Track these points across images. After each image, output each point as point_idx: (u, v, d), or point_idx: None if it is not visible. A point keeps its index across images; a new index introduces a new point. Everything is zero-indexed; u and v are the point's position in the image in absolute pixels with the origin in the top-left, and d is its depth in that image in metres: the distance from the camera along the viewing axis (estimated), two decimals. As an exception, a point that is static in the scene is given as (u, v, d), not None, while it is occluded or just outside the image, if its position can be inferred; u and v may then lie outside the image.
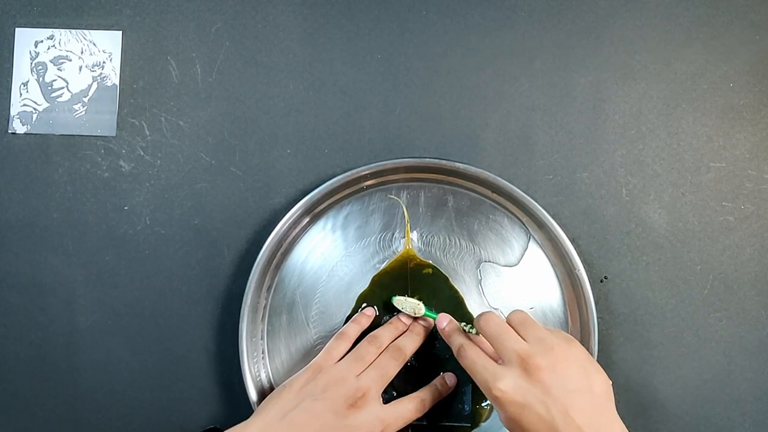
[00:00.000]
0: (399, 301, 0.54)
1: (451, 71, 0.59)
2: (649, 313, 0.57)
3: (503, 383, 0.44)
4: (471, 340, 0.49)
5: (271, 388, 0.55)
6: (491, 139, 0.59)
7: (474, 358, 0.47)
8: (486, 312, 0.49)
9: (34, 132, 0.59)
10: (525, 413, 0.43)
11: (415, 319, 0.55)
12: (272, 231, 0.55)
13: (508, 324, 0.48)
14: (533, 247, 0.57)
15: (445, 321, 0.52)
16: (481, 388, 0.46)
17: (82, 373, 0.57)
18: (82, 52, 0.60)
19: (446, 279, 0.56)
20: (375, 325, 0.55)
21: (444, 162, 0.56)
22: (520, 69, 0.59)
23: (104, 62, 0.59)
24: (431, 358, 0.55)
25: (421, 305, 0.53)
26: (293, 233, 0.57)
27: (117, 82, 0.59)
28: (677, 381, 0.56)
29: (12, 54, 0.60)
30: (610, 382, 0.46)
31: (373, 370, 0.51)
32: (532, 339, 0.46)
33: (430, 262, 0.56)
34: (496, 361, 0.47)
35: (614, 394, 0.54)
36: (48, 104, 0.59)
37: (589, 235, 0.58)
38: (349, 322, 0.55)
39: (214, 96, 0.59)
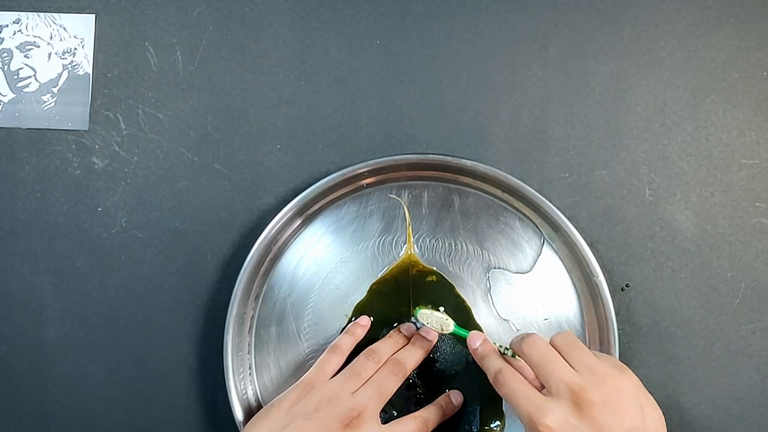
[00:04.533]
0: (424, 315, 0.53)
1: (457, 59, 0.59)
2: (675, 324, 0.57)
3: (550, 418, 0.44)
4: (509, 364, 0.49)
5: (259, 407, 0.55)
6: (501, 134, 0.58)
7: (515, 387, 0.47)
8: (530, 334, 0.48)
9: (-2, 125, 0.59)
10: None
11: (417, 330, 0.55)
12: (260, 234, 0.55)
13: (553, 346, 0.48)
14: (547, 252, 0.57)
15: (478, 341, 0.51)
16: (522, 421, 0.46)
17: (51, 390, 0.57)
18: (51, 38, 0.60)
19: (452, 287, 0.56)
20: (373, 339, 0.55)
21: (449, 159, 0.56)
22: (532, 56, 0.59)
23: (76, 49, 0.59)
24: (435, 374, 0.55)
25: (450, 321, 0.53)
26: (284, 237, 0.57)
27: (90, 71, 0.59)
28: (706, 399, 0.56)
29: (-25, 40, 0.60)
30: (663, 418, 0.46)
31: (371, 387, 0.51)
32: (582, 368, 0.46)
33: (434, 268, 0.56)
34: (539, 390, 0.46)
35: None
36: (14, 95, 0.59)
37: (608, 239, 0.58)
38: (342, 333, 0.55)
39: (197, 86, 0.59)
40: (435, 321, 0.53)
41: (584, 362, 0.46)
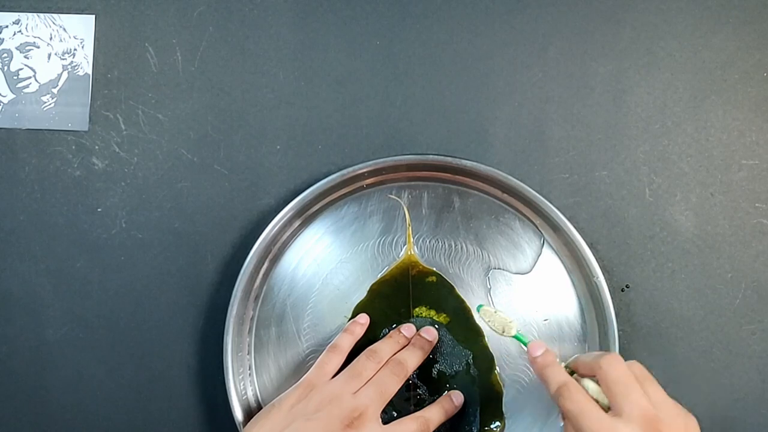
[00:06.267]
0: (486, 313, 0.52)
1: (457, 59, 0.59)
2: (675, 325, 0.57)
3: None
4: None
5: (259, 408, 0.55)
6: (501, 135, 0.59)
7: (582, 402, 0.45)
8: (611, 353, 0.48)
9: (-2, 126, 0.59)
10: None
11: (418, 330, 0.55)
12: (260, 235, 0.55)
13: None
14: (547, 252, 0.57)
15: (539, 350, 0.50)
16: None
17: (51, 391, 0.57)
18: (51, 38, 0.60)
19: (452, 288, 0.56)
20: (373, 339, 0.55)
21: (449, 159, 0.56)
22: (532, 57, 0.59)
23: (76, 49, 0.60)
24: (435, 375, 0.55)
25: (514, 324, 0.51)
26: (283, 237, 0.57)
27: (90, 72, 0.59)
28: (706, 400, 0.57)
29: (-26, 40, 0.60)
30: None
31: (371, 388, 0.51)
32: (655, 400, 0.45)
33: (434, 269, 0.57)
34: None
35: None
36: (14, 96, 0.59)
37: (608, 239, 0.58)
38: (341, 332, 0.55)
39: (197, 86, 0.59)
40: (498, 322, 0.52)
41: (657, 396, 0.45)
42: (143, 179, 0.59)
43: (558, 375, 0.48)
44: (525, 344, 0.51)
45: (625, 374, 0.46)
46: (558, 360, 0.50)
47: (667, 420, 0.44)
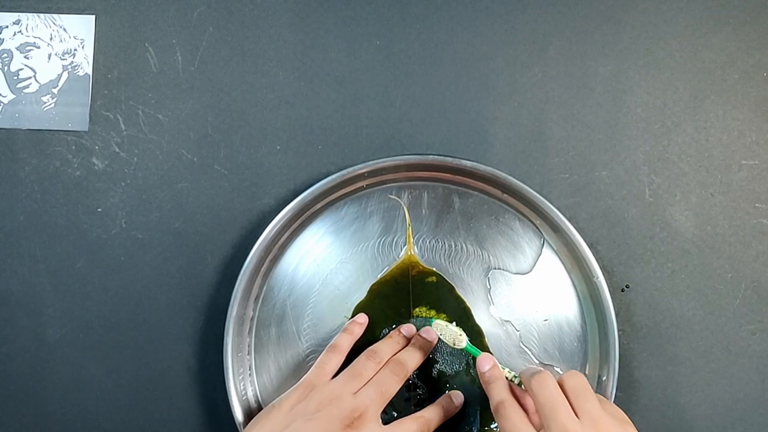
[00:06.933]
0: (439, 326, 0.53)
1: (456, 59, 0.59)
2: (675, 325, 0.57)
3: None
4: (513, 391, 0.49)
5: (259, 408, 0.55)
6: (501, 135, 0.59)
7: (515, 422, 0.47)
8: (542, 372, 0.48)
9: (-2, 126, 0.59)
10: None
11: (417, 331, 0.55)
12: (260, 235, 0.55)
13: (561, 386, 0.48)
14: (547, 252, 0.57)
15: (487, 365, 0.51)
16: None
17: (51, 391, 0.58)
18: (51, 39, 0.60)
19: (452, 288, 0.56)
20: (373, 339, 0.55)
21: (449, 159, 0.56)
22: (532, 57, 0.59)
23: (76, 50, 0.60)
24: (435, 375, 0.55)
25: (464, 336, 0.52)
26: (283, 238, 0.57)
27: (90, 72, 0.60)
28: (706, 400, 0.57)
29: (-26, 40, 0.60)
30: None
31: (372, 388, 0.51)
32: (586, 417, 0.46)
33: (434, 269, 0.57)
34: (536, 428, 0.47)
35: (636, 414, 0.55)
36: (14, 96, 0.60)
37: (608, 239, 0.58)
38: (340, 332, 0.55)
39: (197, 87, 0.59)
40: (449, 334, 0.52)
41: (589, 412, 0.46)
42: (143, 179, 0.59)
43: (499, 392, 0.49)
44: (475, 356, 0.52)
45: (552, 395, 0.46)
46: (508, 372, 0.51)
47: None
